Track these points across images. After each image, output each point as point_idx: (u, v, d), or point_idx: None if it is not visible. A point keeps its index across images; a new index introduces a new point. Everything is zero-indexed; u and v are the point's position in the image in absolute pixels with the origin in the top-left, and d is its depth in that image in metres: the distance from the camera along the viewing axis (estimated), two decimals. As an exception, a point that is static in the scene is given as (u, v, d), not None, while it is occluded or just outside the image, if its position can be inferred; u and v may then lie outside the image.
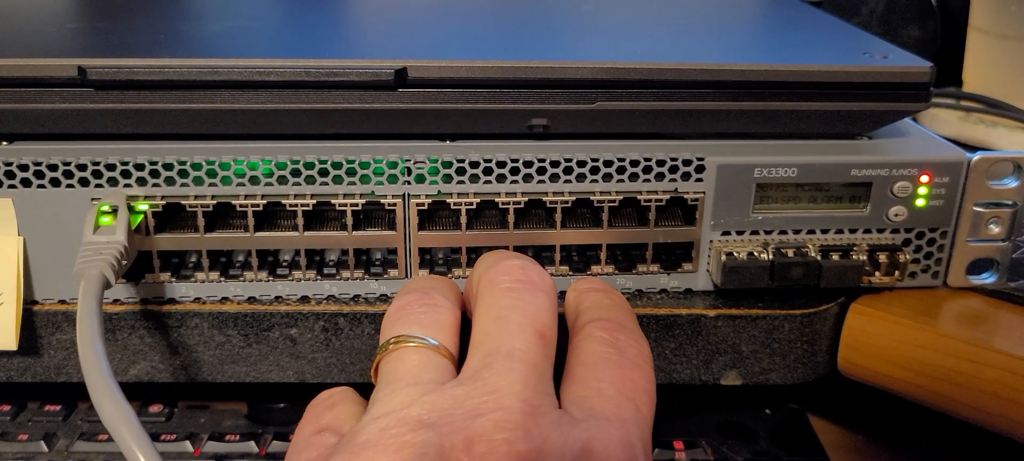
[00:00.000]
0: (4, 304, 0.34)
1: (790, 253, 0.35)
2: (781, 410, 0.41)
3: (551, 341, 0.29)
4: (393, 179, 0.34)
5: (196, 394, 0.41)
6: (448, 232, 0.35)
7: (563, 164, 0.34)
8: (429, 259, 0.36)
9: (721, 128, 0.35)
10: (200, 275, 0.35)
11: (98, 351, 0.29)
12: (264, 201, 0.34)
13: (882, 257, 0.35)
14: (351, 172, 0.34)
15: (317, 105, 0.33)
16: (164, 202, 0.34)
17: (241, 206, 0.34)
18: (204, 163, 0.33)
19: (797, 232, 0.36)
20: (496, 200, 0.34)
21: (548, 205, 0.34)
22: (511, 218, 0.35)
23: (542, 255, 0.36)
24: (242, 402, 0.41)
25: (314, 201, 0.34)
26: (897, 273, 0.36)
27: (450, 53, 0.33)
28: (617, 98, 0.33)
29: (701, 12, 0.46)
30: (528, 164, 0.34)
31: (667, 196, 0.35)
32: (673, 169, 0.34)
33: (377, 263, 0.36)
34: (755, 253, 0.35)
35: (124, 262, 0.32)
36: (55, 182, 0.33)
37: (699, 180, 0.35)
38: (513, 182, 0.34)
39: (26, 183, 0.33)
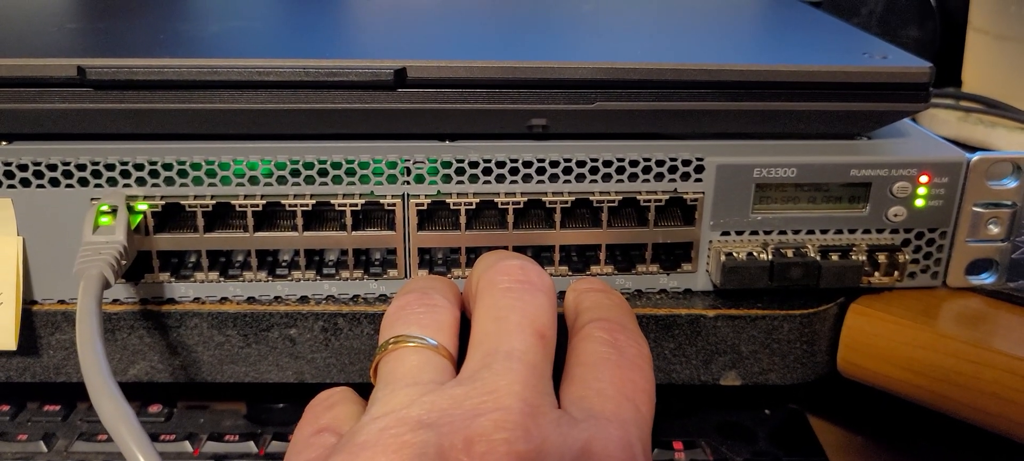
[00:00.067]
0: (3, 304, 0.34)
1: (789, 253, 0.35)
2: (780, 410, 0.41)
3: (550, 341, 0.29)
4: (392, 179, 0.34)
5: (195, 394, 0.41)
6: (447, 232, 0.35)
7: (562, 164, 0.34)
8: (428, 259, 0.36)
9: (720, 128, 0.35)
10: (199, 275, 0.35)
11: (97, 351, 0.29)
12: (263, 201, 0.34)
13: (881, 257, 0.36)
14: (350, 172, 0.34)
15: (316, 105, 0.33)
16: (163, 202, 0.34)
17: (240, 206, 0.34)
18: (203, 163, 0.33)
19: (796, 232, 0.36)
20: (495, 200, 0.34)
21: (547, 205, 0.34)
22: (510, 218, 0.35)
23: (541, 255, 0.36)
24: (241, 402, 0.41)
25: (313, 201, 0.34)
26: (896, 273, 0.36)
27: (449, 53, 0.33)
28: (616, 98, 0.33)
29: (700, 12, 0.46)
30: (527, 164, 0.34)
31: (666, 196, 0.35)
32: (672, 169, 0.34)
33: (376, 263, 0.36)
34: (754, 253, 0.35)
35: (123, 262, 0.32)
36: (54, 182, 0.33)
37: (698, 180, 0.35)
38: (512, 182, 0.34)
39: (25, 183, 0.33)
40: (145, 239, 0.34)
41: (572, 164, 0.34)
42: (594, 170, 0.34)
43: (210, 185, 0.34)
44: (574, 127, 0.34)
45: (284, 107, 0.33)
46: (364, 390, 0.31)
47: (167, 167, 0.33)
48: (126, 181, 0.33)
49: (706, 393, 0.41)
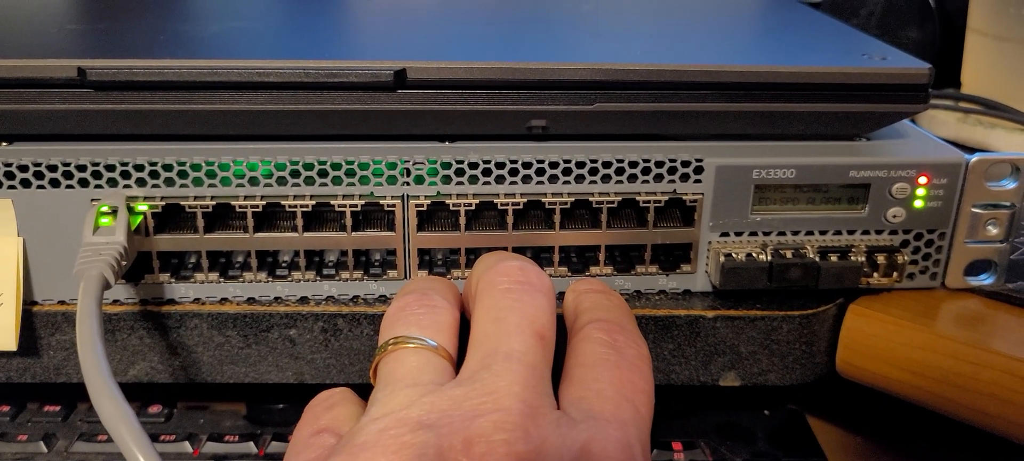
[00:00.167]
0: (4, 305, 0.34)
1: (788, 254, 0.35)
2: (780, 411, 0.41)
3: (550, 342, 0.29)
4: (392, 180, 0.34)
5: (195, 395, 0.41)
6: (447, 233, 0.35)
7: (562, 165, 0.34)
8: (428, 260, 0.36)
9: (720, 129, 0.35)
10: (199, 276, 0.35)
11: (98, 352, 0.29)
12: (263, 202, 0.34)
13: (880, 258, 0.36)
14: (350, 173, 0.34)
15: (316, 106, 0.33)
16: (164, 203, 0.34)
17: (240, 207, 0.34)
18: (203, 164, 0.33)
19: (796, 233, 0.36)
20: (495, 201, 0.34)
21: (547, 206, 0.35)
22: (510, 219, 0.35)
23: (541, 256, 0.36)
24: (241, 403, 0.41)
25: (313, 202, 0.34)
26: (895, 274, 0.36)
27: (449, 54, 0.33)
28: (616, 99, 0.33)
29: (700, 13, 0.46)
30: (527, 165, 0.34)
31: (666, 197, 0.35)
32: (672, 170, 0.34)
33: (376, 264, 0.36)
34: (753, 254, 0.35)
35: (124, 263, 0.32)
36: (55, 183, 0.33)
37: (698, 181, 0.35)
38: (512, 183, 0.34)
39: (26, 184, 0.33)
40: (145, 240, 0.34)
41: (571, 165, 0.34)
42: (593, 171, 0.34)
43: (210, 186, 0.34)
44: (573, 128, 0.34)
45: (284, 108, 0.33)
46: (364, 391, 0.31)
47: (167, 168, 0.33)
48: (126, 182, 0.33)
49: (705, 394, 0.41)
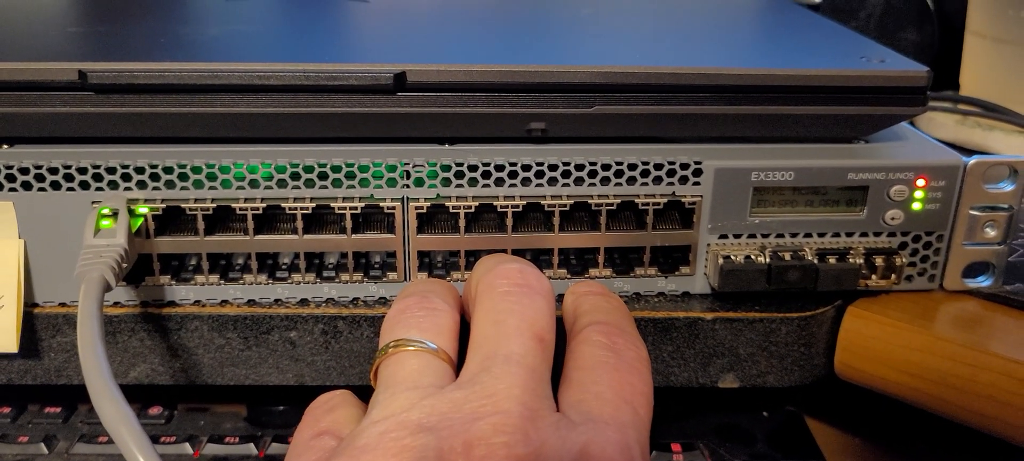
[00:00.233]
0: (5, 307, 0.34)
1: (787, 256, 0.35)
2: (778, 413, 0.42)
3: (549, 345, 0.29)
4: (392, 182, 0.34)
5: (196, 396, 0.41)
6: (447, 235, 0.35)
7: (561, 168, 0.34)
8: (428, 262, 0.36)
9: (718, 132, 0.35)
10: (200, 278, 0.35)
11: (98, 354, 0.29)
12: (264, 204, 0.34)
13: (878, 260, 0.36)
14: (350, 175, 0.34)
15: (316, 109, 0.33)
16: (164, 205, 0.34)
17: (241, 209, 0.34)
18: (204, 166, 0.33)
19: (794, 235, 0.36)
20: (494, 203, 0.34)
21: (546, 209, 0.35)
22: (509, 221, 0.35)
23: (540, 258, 0.36)
24: (241, 404, 0.41)
25: (313, 204, 0.34)
26: (893, 276, 0.36)
27: (449, 57, 0.33)
28: (615, 102, 0.34)
29: (698, 16, 0.46)
30: (526, 168, 0.34)
31: (664, 200, 0.35)
32: (671, 173, 0.35)
33: (376, 266, 0.36)
34: (752, 256, 0.35)
35: (124, 265, 0.33)
36: (56, 185, 0.33)
37: (696, 184, 0.35)
38: (511, 186, 0.34)
39: (27, 186, 0.33)
40: (146, 242, 0.34)
41: (571, 168, 0.34)
42: (592, 173, 0.34)
43: (210, 188, 0.34)
44: (573, 131, 0.34)
45: (284, 111, 0.33)
46: (364, 393, 0.31)
47: (168, 170, 0.33)
48: (127, 184, 0.34)
49: (704, 395, 0.42)
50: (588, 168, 0.34)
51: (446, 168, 0.34)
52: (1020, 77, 0.54)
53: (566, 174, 0.34)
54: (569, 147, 0.35)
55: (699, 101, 0.34)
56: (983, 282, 0.37)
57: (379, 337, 0.31)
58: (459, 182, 0.34)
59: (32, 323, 0.35)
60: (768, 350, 0.36)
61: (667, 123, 0.34)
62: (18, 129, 0.33)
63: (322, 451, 0.28)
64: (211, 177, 0.34)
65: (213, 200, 0.34)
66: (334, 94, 0.33)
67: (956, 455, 0.44)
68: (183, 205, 0.34)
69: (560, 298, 0.35)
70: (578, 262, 0.37)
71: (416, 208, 0.34)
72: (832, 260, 0.35)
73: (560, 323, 0.33)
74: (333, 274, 0.36)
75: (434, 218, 0.35)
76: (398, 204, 0.34)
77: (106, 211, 0.33)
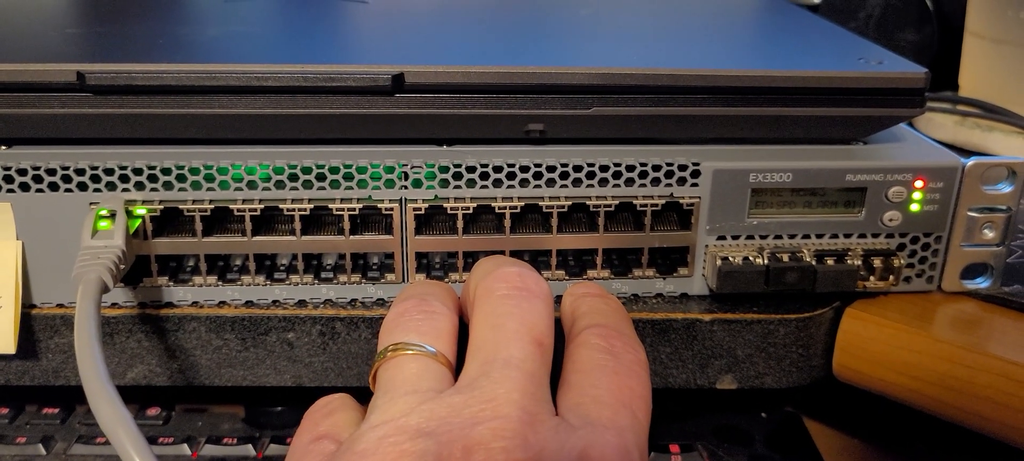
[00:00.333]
0: (2, 308, 0.34)
1: (785, 258, 0.35)
2: (777, 414, 0.42)
3: (548, 348, 0.29)
4: (390, 184, 0.34)
5: (194, 397, 0.41)
6: (445, 236, 0.35)
7: (559, 169, 0.34)
8: (426, 263, 0.36)
9: (717, 133, 0.35)
10: (198, 279, 0.35)
11: (95, 355, 0.29)
12: (261, 205, 0.34)
13: (877, 262, 0.36)
14: (348, 177, 0.34)
15: (314, 110, 0.33)
16: (162, 206, 0.34)
17: (239, 210, 0.34)
18: (202, 168, 0.33)
19: (792, 237, 0.36)
20: (492, 205, 0.34)
21: (544, 210, 0.35)
22: (507, 223, 0.35)
23: (538, 260, 0.36)
24: (239, 405, 0.41)
25: (311, 205, 0.34)
26: (892, 278, 0.36)
27: (447, 59, 0.33)
28: (613, 104, 0.33)
29: (697, 18, 0.46)
30: (524, 169, 0.34)
31: (663, 201, 0.35)
32: (669, 174, 0.35)
33: (374, 267, 0.36)
34: (750, 258, 0.35)
35: (122, 266, 0.33)
36: (53, 186, 0.33)
37: (695, 185, 0.35)
38: (509, 187, 0.34)
39: (25, 187, 0.33)
40: (144, 243, 0.34)
41: (569, 169, 0.34)
42: (591, 175, 0.34)
43: (208, 189, 0.34)
44: (571, 132, 0.34)
45: (282, 112, 0.33)
46: (362, 395, 0.31)
47: (166, 172, 0.33)
48: (125, 186, 0.33)
49: (702, 396, 0.42)
50: (586, 169, 0.34)
51: (444, 169, 0.34)
52: (1019, 78, 0.54)
53: (564, 175, 0.34)
54: (567, 148, 0.35)
55: (697, 102, 0.34)
56: (981, 283, 0.37)
57: (378, 340, 0.31)
58: (457, 183, 0.34)
59: (30, 324, 0.35)
60: (766, 351, 0.36)
61: (665, 124, 0.34)
62: (16, 130, 0.33)
63: (321, 455, 0.28)
64: (209, 178, 0.34)
65: (211, 201, 0.34)
66: (332, 95, 0.33)
67: (954, 456, 0.44)
68: (181, 206, 0.34)
69: (558, 300, 0.35)
70: (576, 263, 0.37)
71: (414, 209, 0.34)
72: (830, 261, 0.35)
73: (558, 325, 0.33)
74: (331, 275, 0.36)
75: (432, 219, 0.35)
76: (396, 205, 0.34)
77: (104, 212, 0.33)
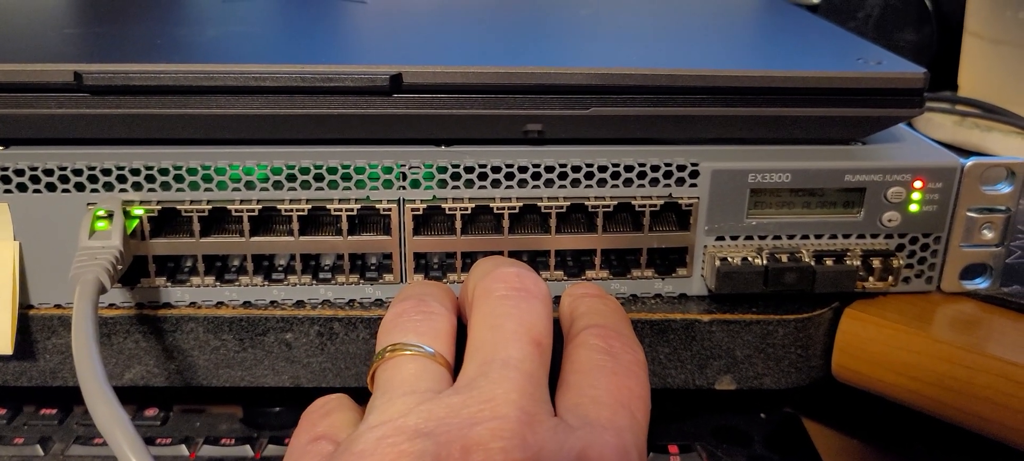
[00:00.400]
0: (0, 308, 0.34)
1: (784, 258, 0.35)
2: (776, 414, 0.42)
3: (546, 349, 0.29)
4: (388, 184, 0.34)
5: (191, 398, 0.41)
6: (443, 237, 0.35)
7: (558, 169, 0.34)
8: (424, 264, 0.36)
9: (715, 134, 0.35)
10: (195, 279, 0.35)
11: (93, 356, 0.29)
12: (259, 206, 0.34)
13: (876, 262, 0.36)
14: (346, 177, 0.34)
15: (312, 110, 0.33)
16: (160, 207, 0.34)
17: (237, 211, 0.34)
18: (200, 168, 0.33)
19: (791, 237, 0.36)
20: (491, 205, 0.34)
21: (543, 210, 0.35)
22: (506, 223, 0.35)
23: (537, 260, 0.36)
24: (237, 406, 0.41)
25: (309, 206, 0.34)
26: (891, 278, 0.36)
27: (445, 59, 0.33)
28: (611, 104, 0.33)
29: (696, 18, 0.46)
30: (523, 169, 0.34)
31: (661, 201, 0.35)
32: (667, 174, 0.34)
33: (372, 268, 0.36)
34: (749, 258, 0.35)
35: (120, 267, 0.32)
36: (51, 187, 0.33)
37: (693, 185, 0.35)
38: (508, 187, 0.34)
39: (22, 188, 0.33)
40: (141, 244, 0.34)
41: (567, 169, 0.34)
42: (589, 175, 0.34)
43: (206, 190, 0.34)
44: (569, 132, 0.34)
45: (280, 112, 0.33)
46: (360, 395, 0.31)
47: (163, 172, 0.33)
48: (122, 186, 0.33)
49: (701, 397, 0.41)
50: (585, 170, 0.34)
51: (442, 170, 0.34)
52: (1018, 78, 0.54)
53: (563, 176, 0.34)
54: (566, 149, 0.34)
55: (696, 102, 0.34)
56: (980, 284, 0.37)
57: (376, 340, 0.31)
58: (455, 184, 0.34)
59: (27, 325, 0.35)
60: (765, 352, 0.36)
61: (664, 125, 0.34)
62: (13, 130, 0.33)
63: (319, 456, 0.28)
64: (207, 179, 0.34)
65: (209, 202, 0.34)
66: (330, 96, 0.33)
67: (954, 457, 0.44)
68: (179, 207, 0.34)
69: (557, 300, 0.35)
70: (575, 264, 0.37)
71: (412, 210, 0.34)
72: (829, 262, 0.35)
73: (557, 326, 0.32)
74: (329, 276, 0.36)
75: (430, 220, 0.35)
76: (394, 206, 0.34)
77: (101, 213, 0.33)
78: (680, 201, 0.35)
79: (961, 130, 0.54)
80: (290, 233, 0.34)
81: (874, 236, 0.36)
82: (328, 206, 0.34)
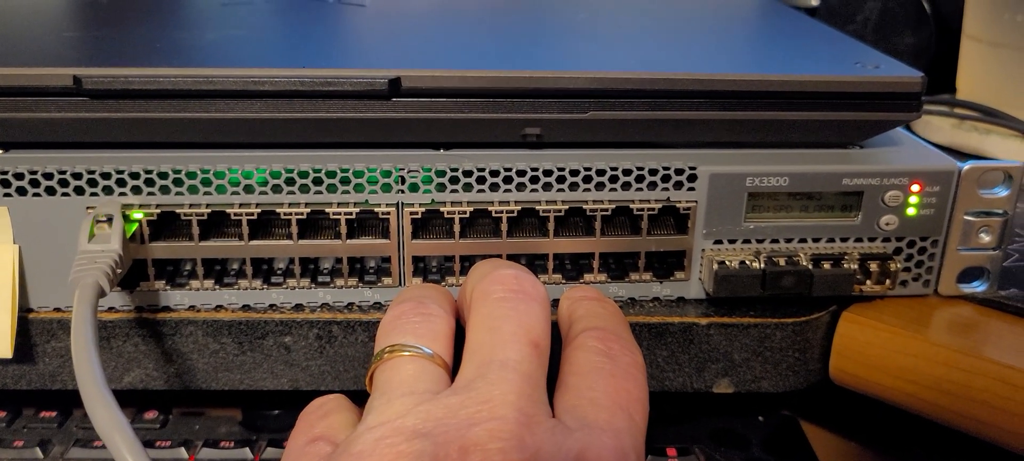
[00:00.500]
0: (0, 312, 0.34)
1: (782, 262, 0.35)
2: (774, 417, 0.42)
3: (544, 350, 0.29)
4: (387, 188, 0.34)
5: (191, 400, 0.41)
6: (442, 240, 0.35)
7: (556, 173, 0.34)
8: (423, 267, 0.36)
9: (713, 137, 0.35)
10: (195, 283, 0.35)
11: (92, 359, 0.29)
12: (258, 209, 0.34)
13: (873, 266, 0.36)
14: (345, 181, 0.34)
15: (311, 114, 0.33)
16: (159, 210, 0.34)
17: (236, 214, 0.34)
18: (199, 172, 0.33)
19: (789, 241, 0.36)
20: (489, 209, 0.34)
21: (541, 214, 0.35)
22: (504, 227, 0.35)
23: (535, 263, 0.36)
24: (236, 408, 0.41)
25: (308, 209, 0.34)
26: (888, 282, 0.36)
27: (444, 63, 0.33)
28: (609, 108, 0.34)
29: (694, 22, 0.47)
30: (521, 173, 0.34)
31: (659, 205, 0.35)
32: (665, 178, 0.35)
33: (371, 271, 0.36)
34: (747, 262, 0.35)
35: (119, 270, 0.33)
36: (50, 191, 0.33)
37: (691, 189, 0.35)
38: (506, 191, 0.34)
39: (22, 191, 0.33)
40: (141, 247, 0.34)
41: (565, 173, 0.34)
42: (587, 179, 0.34)
43: (205, 194, 0.34)
44: (568, 136, 0.34)
45: (279, 116, 0.33)
46: (359, 398, 0.31)
47: (163, 176, 0.33)
48: (122, 190, 0.33)
49: (700, 399, 0.42)
50: (583, 173, 0.34)
51: (441, 173, 0.34)
52: (1016, 81, 0.54)
53: (561, 179, 0.34)
54: (564, 152, 0.35)
55: (694, 106, 0.34)
56: (978, 287, 0.37)
57: (374, 342, 0.31)
58: (454, 187, 0.34)
59: (27, 328, 0.35)
60: (763, 355, 0.36)
61: (662, 128, 0.34)
62: (13, 134, 0.33)
63: (317, 457, 0.28)
64: (206, 182, 0.34)
65: (208, 205, 0.34)
66: (329, 99, 0.33)
67: (952, 460, 0.44)
68: (178, 210, 0.34)
69: (555, 303, 0.35)
70: (573, 267, 0.37)
71: (411, 213, 0.34)
72: (827, 265, 0.35)
73: (555, 328, 0.33)
74: (328, 279, 0.36)
75: (429, 223, 0.35)
76: (393, 209, 0.34)
77: (101, 216, 0.33)
78: (678, 205, 0.35)
79: (959, 133, 0.54)
80: (289, 236, 0.34)
81: (871, 239, 0.36)
82: (327, 209, 0.34)
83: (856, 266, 0.35)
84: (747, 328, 0.36)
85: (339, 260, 0.35)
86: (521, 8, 0.49)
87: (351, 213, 0.34)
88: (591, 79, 0.33)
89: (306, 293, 0.36)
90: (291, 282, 0.35)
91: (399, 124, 0.33)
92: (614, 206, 0.35)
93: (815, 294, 0.35)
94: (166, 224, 0.35)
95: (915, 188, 0.35)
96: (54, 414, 0.40)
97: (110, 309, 0.35)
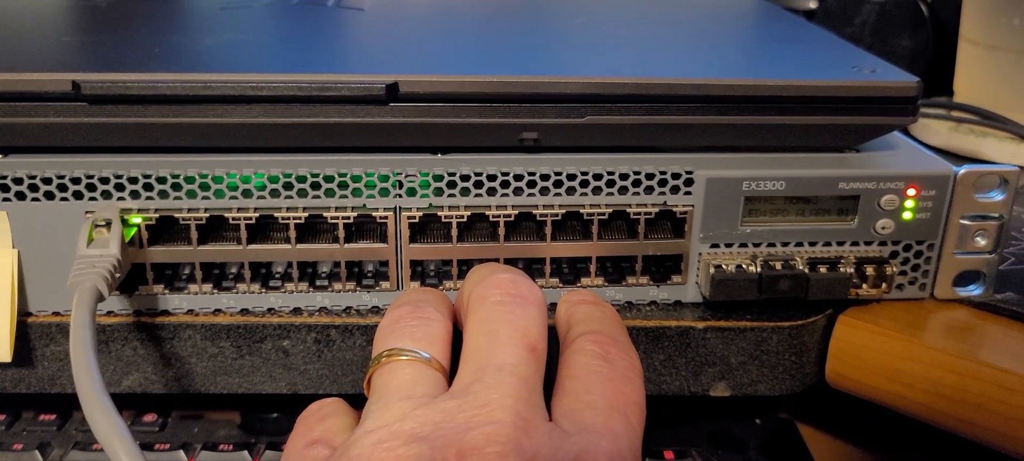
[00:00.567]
0: (-2, 316, 0.34)
1: (778, 266, 0.35)
2: (771, 420, 0.42)
3: (541, 354, 0.29)
4: (385, 192, 0.34)
5: (189, 404, 0.41)
6: (439, 244, 0.35)
7: (553, 177, 0.34)
8: (420, 271, 0.36)
9: (710, 142, 0.35)
10: (193, 287, 0.35)
11: (91, 364, 0.29)
12: (257, 214, 0.34)
13: (869, 269, 0.36)
14: (343, 185, 0.34)
15: (309, 119, 0.33)
16: (157, 215, 0.34)
17: (234, 219, 0.34)
18: (197, 176, 0.34)
19: (785, 245, 0.36)
20: (487, 213, 0.34)
21: (538, 218, 0.35)
22: (501, 231, 0.35)
23: (532, 267, 0.36)
24: (235, 412, 0.41)
25: (306, 214, 0.34)
26: (884, 285, 0.36)
27: (441, 68, 0.34)
28: (607, 112, 0.34)
29: (691, 26, 0.47)
30: (518, 177, 0.34)
31: (656, 209, 0.35)
32: (662, 182, 0.35)
33: (369, 275, 0.36)
34: (743, 266, 0.35)
35: (117, 274, 0.33)
36: (49, 195, 0.33)
37: (688, 193, 0.35)
38: (503, 195, 0.35)
39: (20, 196, 0.33)
40: (139, 252, 0.34)
41: (563, 177, 0.34)
42: (584, 183, 0.35)
43: (204, 198, 0.34)
44: (565, 140, 0.34)
45: (277, 121, 0.33)
46: (357, 401, 0.31)
47: (161, 180, 0.34)
48: (120, 194, 0.34)
49: (697, 403, 0.42)
50: (580, 177, 0.34)
51: (438, 178, 0.34)
52: (1013, 84, 0.54)
53: (558, 184, 0.34)
54: (561, 157, 0.35)
55: (691, 111, 0.34)
56: (974, 291, 0.37)
57: (372, 346, 0.31)
58: (451, 192, 0.34)
59: (26, 332, 0.35)
60: (759, 359, 0.36)
61: (659, 133, 0.35)
62: (12, 139, 0.33)
63: (315, 460, 0.28)
64: (204, 187, 0.34)
65: (206, 210, 0.34)
66: (327, 104, 0.33)
67: (949, 463, 0.44)
68: (176, 215, 0.34)
69: (553, 307, 0.35)
70: (570, 271, 0.37)
71: (408, 218, 0.34)
72: (823, 269, 0.35)
73: (553, 332, 0.33)
74: (326, 283, 0.36)
75: (426, 227, 0.36)
76: (391, 213, 0.34)
77: (99, 221, 0.33)
78: (675, 209, 0.35)
79: (956, 136, 0.54)
80: (287, 241, 0.34)
81: (868, 243, 0.36)
82: (325, 214, 0.34)
83: (852, 270, 0.36)
84: (744, 332, 0.36)
85: (337, 264, 0.35)
86: (518, 13, 0.49)
87: (349, 217, 0.34)
88: (588, 84, 0.33)
89: (304, 297, 0.36)
90: (289, 286, 0.35)
91: (397, 129, 0.33)
92: (611, 210, 0.35)
93: (811, 298, 0.35)
94: (165, 228, 0.35)
95: (911, 192, 0.35)
96: (53, 417, 0.40)
97: (109, 313, 0.35)
